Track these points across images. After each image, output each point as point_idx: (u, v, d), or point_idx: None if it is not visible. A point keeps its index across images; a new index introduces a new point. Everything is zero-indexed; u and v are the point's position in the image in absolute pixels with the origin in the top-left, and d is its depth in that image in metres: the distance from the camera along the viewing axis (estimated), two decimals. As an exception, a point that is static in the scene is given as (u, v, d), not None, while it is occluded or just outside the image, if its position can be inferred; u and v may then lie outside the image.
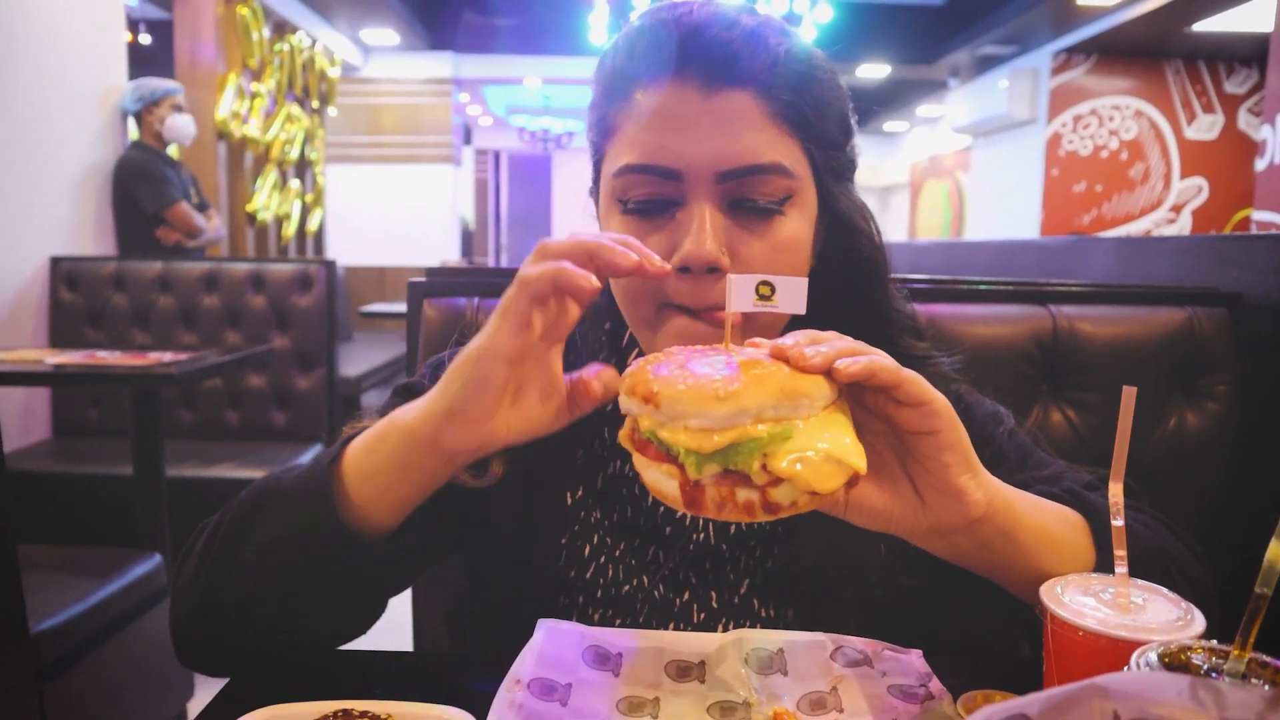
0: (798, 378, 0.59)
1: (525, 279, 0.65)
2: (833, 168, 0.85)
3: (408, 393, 0.94)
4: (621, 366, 0.70)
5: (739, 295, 0.64)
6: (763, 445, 0.56)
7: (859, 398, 0.66)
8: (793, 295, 0.65)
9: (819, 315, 0.88)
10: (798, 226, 0.82)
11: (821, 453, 0.57)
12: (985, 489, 0.67)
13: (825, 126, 0.83)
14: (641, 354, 0.89)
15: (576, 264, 0.66)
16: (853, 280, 0.89)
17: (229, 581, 0.75)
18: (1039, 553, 0.72)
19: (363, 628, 0.81)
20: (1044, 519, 0.74)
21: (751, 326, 0.80)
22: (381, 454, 0.73)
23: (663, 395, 0.57)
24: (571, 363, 0.75)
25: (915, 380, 0.63)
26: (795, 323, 0.79)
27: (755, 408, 0.56)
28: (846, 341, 0.63)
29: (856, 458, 0.59)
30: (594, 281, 0.65)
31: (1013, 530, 0.70)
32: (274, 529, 0.74)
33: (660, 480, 0.60)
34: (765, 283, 0.64)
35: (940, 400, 0.64)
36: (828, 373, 0.60)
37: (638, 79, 0.81)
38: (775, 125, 0.79)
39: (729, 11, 0.80)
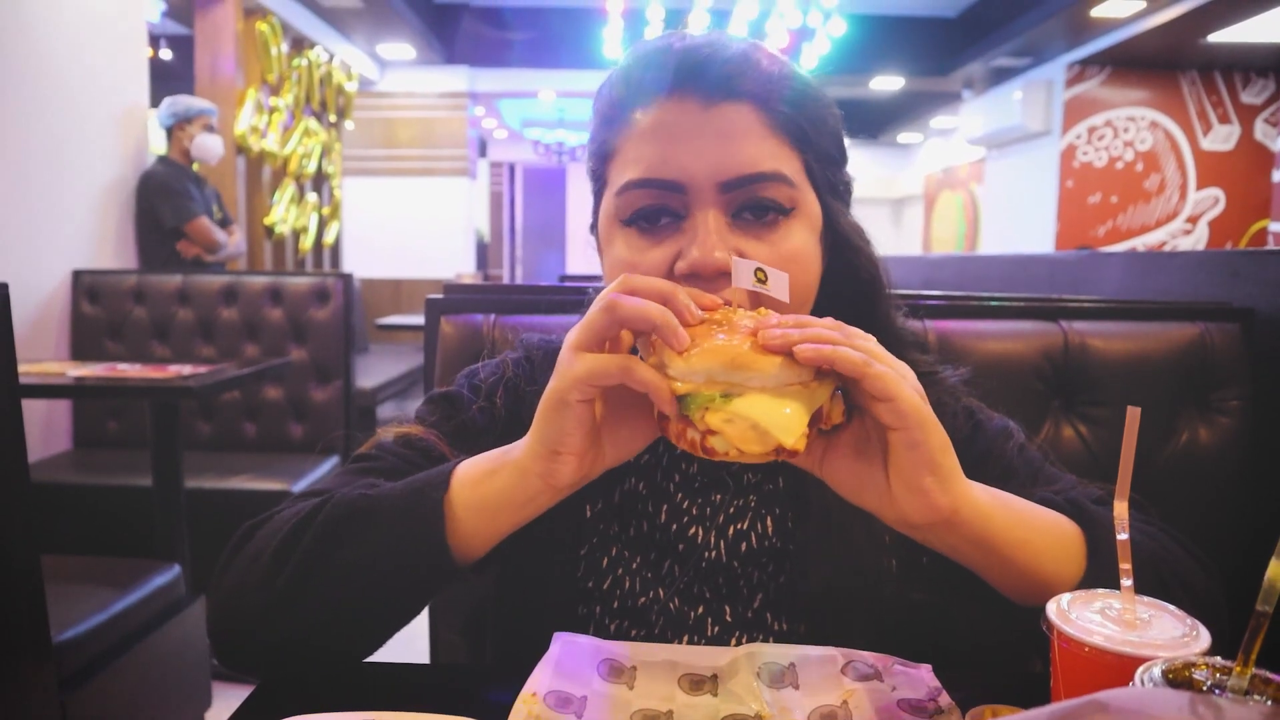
0: (749, 354, 0.64)
1: (589, 370, 0.67)
2: (832, 185, 0.87)
3: (445, 401, 0.96)
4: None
5: (742, 274, 0.73)
6: (706, 401, 0.65)
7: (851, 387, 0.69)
8: (780, 284, 0.73)
9: None
10: (803, 238, 0.83)
11: (751, 420, 0.64)
12: (951, 495, 0.68)
13: (823, 142, 0.85)
14: None
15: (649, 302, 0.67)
16: (855, 299, 0.90)
17: (306, 591, 0.75)
18: (1012, 563, 0.73)
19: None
20: (1026, 533, 0.74)
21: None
22: (493, 487, 0.74)
23: (658, 342, 0.67)
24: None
25: (883, 376, 0.65)
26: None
27: (704, 370, 0.65)
28: (828, 329, 0.66)
29: (784, 433, 0.65)
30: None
31: (985, 540, 0.71)
32: (372, 549, 0.75)
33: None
34: (760, 269, 0.73)
35: (908, 400, 0.65)
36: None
37: (637, 101, 0.83)
38: (775, 136, 0.81)
39: (722, 36, 0.84)
